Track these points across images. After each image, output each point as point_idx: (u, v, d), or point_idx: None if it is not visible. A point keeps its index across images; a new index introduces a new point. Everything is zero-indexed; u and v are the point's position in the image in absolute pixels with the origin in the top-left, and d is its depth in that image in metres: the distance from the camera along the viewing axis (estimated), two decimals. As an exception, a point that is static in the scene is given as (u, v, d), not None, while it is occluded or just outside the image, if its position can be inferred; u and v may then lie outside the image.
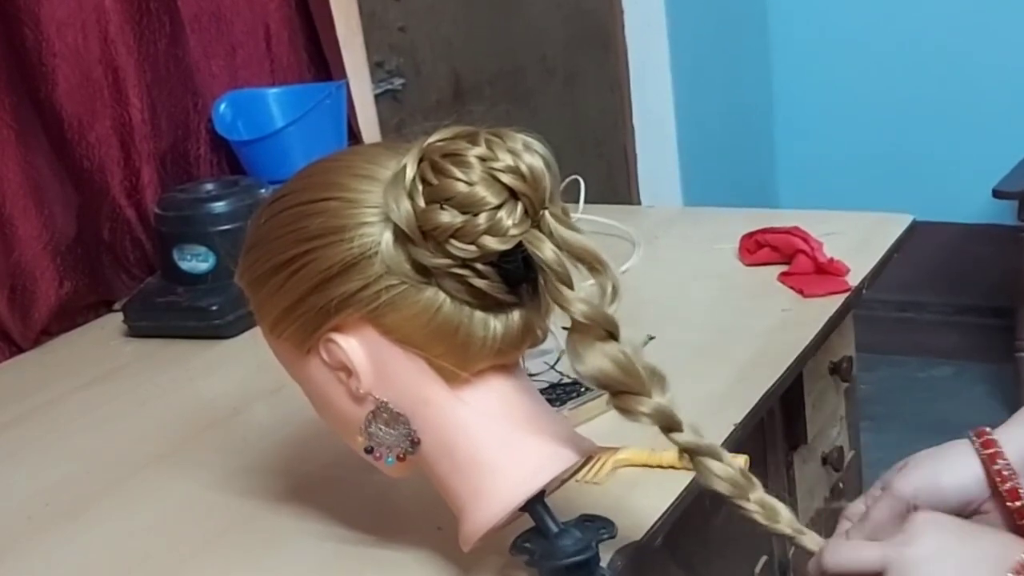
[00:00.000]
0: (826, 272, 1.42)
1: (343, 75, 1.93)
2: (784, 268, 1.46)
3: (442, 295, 0.80)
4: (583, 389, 1.14)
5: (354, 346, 0.82)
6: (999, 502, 0.87)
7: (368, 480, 0.98)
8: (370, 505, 1.03)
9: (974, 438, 0.88)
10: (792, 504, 1.40)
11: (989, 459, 0.87)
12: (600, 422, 1.08)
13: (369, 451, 0.85)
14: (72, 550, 1.04)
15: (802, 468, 1.46)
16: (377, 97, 2.12)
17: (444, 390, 0.82)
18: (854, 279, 1.41)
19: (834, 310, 1.35)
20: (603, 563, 0.85)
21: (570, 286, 0.78)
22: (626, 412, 0.79)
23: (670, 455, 0.97)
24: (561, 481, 0.88)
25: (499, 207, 0.77)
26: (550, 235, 0.78)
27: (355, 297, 0.80)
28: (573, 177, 1.60)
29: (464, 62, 2.50)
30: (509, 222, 0.77)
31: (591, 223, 1.59)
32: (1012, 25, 3.19)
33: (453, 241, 0.77)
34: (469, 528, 0.83)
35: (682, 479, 0.97)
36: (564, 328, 0.80)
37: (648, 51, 3.00)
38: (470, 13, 2.54)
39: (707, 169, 3.15)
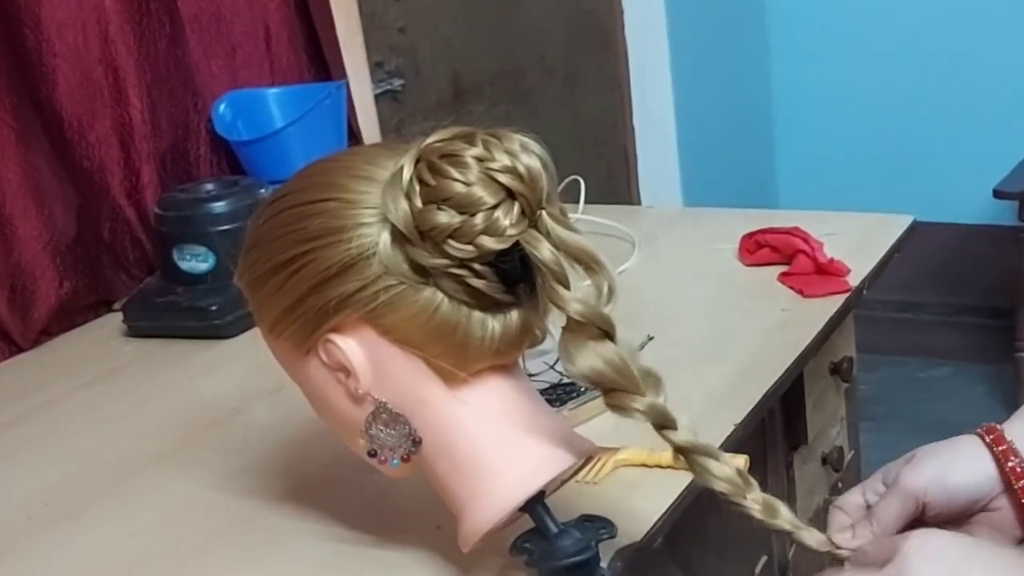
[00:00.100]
0: (826, 272, 1.41)
1: (343, 75, 1.93)
2: (784, 268, 1.46)
3: (440, 295, 0.79)
4: (583, 389, 1.13)
5: (352, 346, 0.82)
6: (1013, 499, 0.85)
7: (368, 480, 0.98)
8: (370, 505, 1.03)
9: (984, 434, 0.86)
10: (792, 504, 1.41)
11: (1002, 456, 0.85)
12: (600, 422, 1.08)
13: (373, 455, 0.85)
14: (72, 550, 1.04)
15: (802, 468, 1.46)
16: (377, 97, 2.12)
17: (443, 390, 0.82)
18: (854, 279, 1.41)
19: (834, 310, 1.35)
20: (603, 563, 0.85)
21: (567, 286, 0.77)
22: (619, 409, 0.79)
23: (669, 455, 0.97)
24: (561, 481, 0.88)
25: (496, 207, 0.77)
26: (547, 235, 0.77)
27: (353, 298, 0.80)
28: (573, 177, 1.60)
29: (464, 62, 2.50)
30: (506, 222, 0.77)
31: (591, 223, 1.60)
32: (1012, 25, 3.19)
33: (451, 241, 0.77)
34: (468, 528, 0.83)
35: (682, 480, 0.97)
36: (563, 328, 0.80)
37: (648, 51, 3.00)
38: (470, 13, 2.54)
39: (707, 169, 3.15)
